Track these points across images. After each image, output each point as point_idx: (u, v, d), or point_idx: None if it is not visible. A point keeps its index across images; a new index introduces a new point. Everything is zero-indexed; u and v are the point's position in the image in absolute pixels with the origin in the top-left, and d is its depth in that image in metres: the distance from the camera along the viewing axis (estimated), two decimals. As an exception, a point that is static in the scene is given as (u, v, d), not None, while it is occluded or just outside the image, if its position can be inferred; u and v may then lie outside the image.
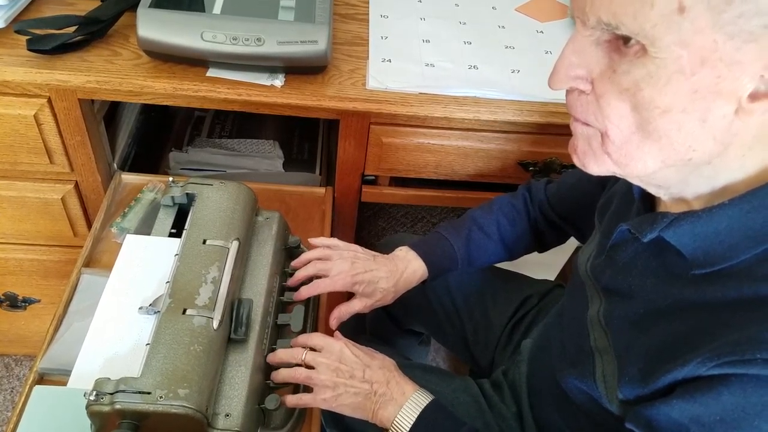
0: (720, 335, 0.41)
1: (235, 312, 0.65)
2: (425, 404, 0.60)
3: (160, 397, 0.54)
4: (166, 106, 1.21)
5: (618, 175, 0.46)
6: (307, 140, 1.20)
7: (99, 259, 0.80)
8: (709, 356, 0.41)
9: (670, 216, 0.46)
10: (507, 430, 0.70)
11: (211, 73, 0.82)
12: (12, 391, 1.20)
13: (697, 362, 0.41)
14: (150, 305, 0.66)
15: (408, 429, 0.59)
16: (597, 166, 0.45)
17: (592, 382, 0.53)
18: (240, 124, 1.21)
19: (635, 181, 0.48)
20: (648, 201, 0.52)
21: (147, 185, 0.90)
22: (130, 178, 0.92)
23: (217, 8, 0.83)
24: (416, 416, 0.59)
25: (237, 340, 0.64)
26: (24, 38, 0.77)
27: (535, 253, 0.87)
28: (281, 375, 0.65)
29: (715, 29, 0.35)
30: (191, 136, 1.16)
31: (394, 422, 0.60)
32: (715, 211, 0.43)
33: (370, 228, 1.66)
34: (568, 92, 0.44)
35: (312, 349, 0.65)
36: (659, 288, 0.48)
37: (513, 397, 0.73)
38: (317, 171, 1.13)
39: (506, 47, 0.94)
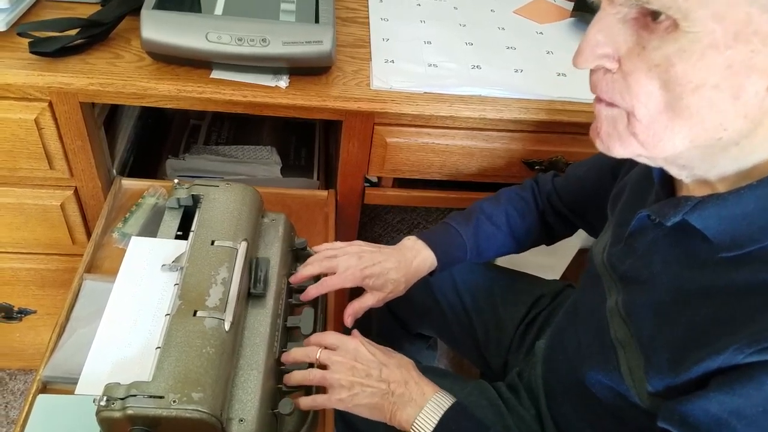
0: (755, 320, 0.40)
1: (253, 269, 0.67)
2: (447, 406, 0.59)
3: (174, 402, 0.52)
4: (163, 113, 1.20)
5: (643, 157, 0.45)
6: (303, 146, 1.19)
7: (100, 265, 0.78)
8: (746, 342, 0.40)
9: (694, 199, 0.45)
10: None
11: (215, 74, 0.81)
12: (6, 406, 1.17)
13: (734, 349, 0.40)
14: (173, 262, 0.66)
15: None
16: (622, 149, 0.44)
17: (618, 376, 0.52)
18: (236, 131, 1.20)
19: (659, 163, 0.47)
20: (668, 186, 0.51)
21: (148, 190, 0.89)
22: (130, 183, 0.91)
23: (219, 10, 0.83)
24: (438, 419, 0.58)
25: (256, 295, 0.66)
26: (25, 42, 0.76)
27: (539, 255, 0.86)
28: (295, 377, 0.63)
29: (750, 2, 0.35)
30: (187, 143, 1.15)
31: (414, 424, 0.58)
32: (742, 192, 0.42)
33: (366, 235, 1.65)
34: (593, 72, 0.44)
35: (326, 349, 0.64)
36: (683, 274, 0.47)
37: (530, 399, 0.71)
38: (315, 176, 1.12)
39: (507, 48, 0.94)
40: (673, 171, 0.47)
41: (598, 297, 0.58)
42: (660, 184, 0.51)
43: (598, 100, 0.44)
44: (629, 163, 0.63)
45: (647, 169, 0.55)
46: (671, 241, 0.49)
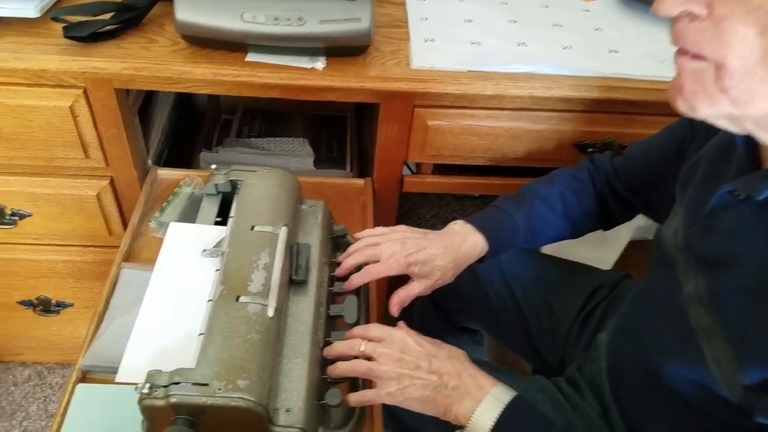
0: None
1: (294, 255, 0.64)
2: (507, 400, 0.54)
3: (219, 389, 0.49)
4: (195, 107, 1.19)
5: (726, 120, 0.40)
6: (335, 139, 1.17)
7: (138, 255, 0.77)
8: None
9: None
10: (593, 429, 0.64)
11: (251, 57, 0.78)
12: (45, 400, 1.17)
13: None
14: (214, 247, 0.65)
15: (490, 427, 0.53)
16: (709, 108, 0.40)
17: (703, 368, 0.47)
18: (268, 124, 1.18)
19: (749, 126, 0.42)
20: (754, 156, 0.46)
21: (184, 180, 0.87)
22: (166, 173, 0.89)
23: (253, -9, 0.80)
24: (499, 413, 0.53)
25: (298, 282, 0.64)
26: (58, 29, 0.75)
27: (588, 247, 0.81)
28: (339, 368, 0.60)
29: None
30: (220, 137, 1.14)
31: (473, 419, 0.54)
32: None
33: (399, 229, 1.61)
34: (676, 20, 0.39)
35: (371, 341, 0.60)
36: None
37: (594, 395, 0.66)
38: (348, 168, 1.10)
39: (554, 25, 0.90)
40: (764, 137, 0.42)
41: (671, 284, 0.53)
42: (746, 153, 0.46)
43: (681, 52, 0.40)
44: (699, 141, 0.58)
45: (725, 143, 0.50)
46: (760, 217, 0.44)
